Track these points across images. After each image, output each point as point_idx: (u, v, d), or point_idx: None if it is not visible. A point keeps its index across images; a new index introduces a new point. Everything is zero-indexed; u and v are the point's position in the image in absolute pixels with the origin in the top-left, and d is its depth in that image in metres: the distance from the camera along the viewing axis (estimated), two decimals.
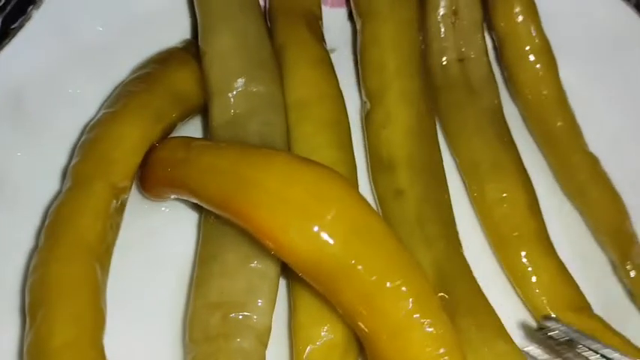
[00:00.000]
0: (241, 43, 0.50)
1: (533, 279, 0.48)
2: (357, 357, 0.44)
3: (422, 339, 0.37)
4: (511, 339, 0.44)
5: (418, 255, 0.46)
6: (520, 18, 0.54)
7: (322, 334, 0.43)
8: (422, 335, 0.37)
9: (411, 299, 0.37)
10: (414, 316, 0.37)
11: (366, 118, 0.52)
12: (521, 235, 0.49)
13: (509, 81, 0.56)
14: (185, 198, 0.46)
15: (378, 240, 0.39)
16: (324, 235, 0.38)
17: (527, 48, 0.54)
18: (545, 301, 0.48)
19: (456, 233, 0.49)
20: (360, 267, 0.38)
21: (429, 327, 0.37)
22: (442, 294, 0.45)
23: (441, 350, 0.37)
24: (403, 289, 0.38)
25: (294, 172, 0.40)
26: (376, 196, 0.50)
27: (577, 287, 0.48)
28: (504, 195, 0.50)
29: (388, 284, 0.38)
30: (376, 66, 0.52)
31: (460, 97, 0.54)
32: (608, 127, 0.55)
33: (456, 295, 0.45)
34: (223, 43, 0.50)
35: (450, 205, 0.50)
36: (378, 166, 0.50)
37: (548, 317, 0.47)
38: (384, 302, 0.38)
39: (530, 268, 0.48)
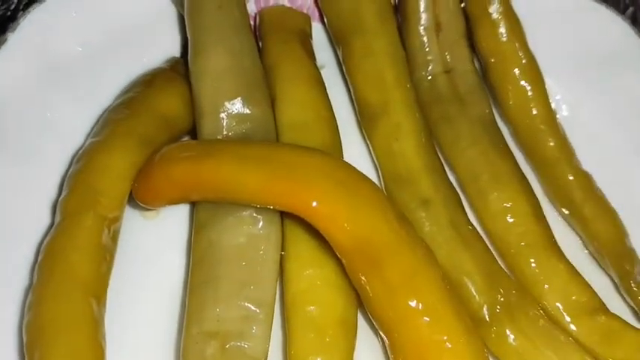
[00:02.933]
0: (234, 63, 0.51)
1: (545, 286, 0.50)
2: None
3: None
4: (565, 330, 0.48)
5: (461, 259, 0.49)
6: (505, 38, 0.55)
7: None
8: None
9: None
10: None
11: (371, 132, 0.54)
12: (529, 243, 0.51)
13: (496, 100, 0.57)
14: (200, 198, 0.48)
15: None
16: (376, 214, 0.43)
17: (515, 70, 0.55)
18: (560, 307, 0.49)
19: (480, 235, 0.51)
20: (406, 242, 0.43)
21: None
22: (497, 295, 0.48)
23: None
24: None
25: (332, 158, 0.46)
26: None
27: (590, 288, 0.50)
28: (508, 205, 0.52)
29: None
30: (374, 79, 0.54)
31: (450, 110, 0.55)
32: (600, 143, 0.56)
33: (508, 295, 0.48)
34: (215, 63, 0.51)
35: (464, 207, 0.52)
36: (396, 179, 0.52)
37: None
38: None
39: (541, 276, 0.50)
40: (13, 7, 0.60)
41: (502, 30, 0.55)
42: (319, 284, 0.47)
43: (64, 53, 0.54)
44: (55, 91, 0.53)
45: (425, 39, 0.56)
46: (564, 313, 0.49)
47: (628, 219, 0.53)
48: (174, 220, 0.52)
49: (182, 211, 0.52)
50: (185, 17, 0.53)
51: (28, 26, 0.53)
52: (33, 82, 0.52)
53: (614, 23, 0.58)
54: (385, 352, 0.45)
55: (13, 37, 0.52)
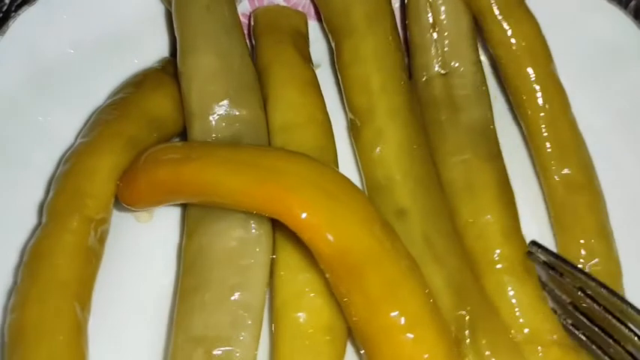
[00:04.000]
0: (224, 64, 0.51)
1: (503, 304, 0.49)
2: None
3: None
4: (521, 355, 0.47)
5: (431, 275, 0.47)
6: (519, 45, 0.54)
7: None
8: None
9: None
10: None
11: (356, 138, 0.54)
12: (493, 260, 0.50)
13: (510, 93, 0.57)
14: (183, 200, 0.48)
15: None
16: (359, 224, 0.43)
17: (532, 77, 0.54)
18: (513, 331, 0.48)
19: (462, 247, 0.50)
20: (389, 253, 0.43)
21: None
22: (462, 312, 0.47)
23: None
24: None
25: (319, 165, 0.45)
26: None
27: (550, 317, 0.49)
28: (477, 217, 0.51)
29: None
30: (360, 84, 0.53)
31: (440, 115, 0.55)
32: (601, 142, 0.56)
33: (474, 314, 0.47)
34: (204, 64, 0.51)
35: (453, 218, 0.51)
36: (375, 187, 0.52)
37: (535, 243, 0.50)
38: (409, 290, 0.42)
39: (500, 293, 0.49)
40: (5, 8, 0.60)
41: (513, 25, 0.54)
42: (308, 290, 0.47)
43: (54, 55, 0.54)
44: (45, 92, 0.53)
45: (424, 39, 0.56)
46: (518, 339, 0.48)
47: (627, 218, 0.53)
48: (168, 224, 0.52)
49: (175, 215, 0.52)
50: (173, 18, 0.53)
51: (19, 28, 0.53)
52: (23, 84, 0.53)
53: (618, 19, 0.57)
54: None
55: (4, 40, 0.52)
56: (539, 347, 0.47)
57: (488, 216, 0.51)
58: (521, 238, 0.51)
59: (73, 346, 0.42)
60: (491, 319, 0.47)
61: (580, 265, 0.51)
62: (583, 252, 0.51)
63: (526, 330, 0.48)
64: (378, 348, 0.43)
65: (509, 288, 0.49)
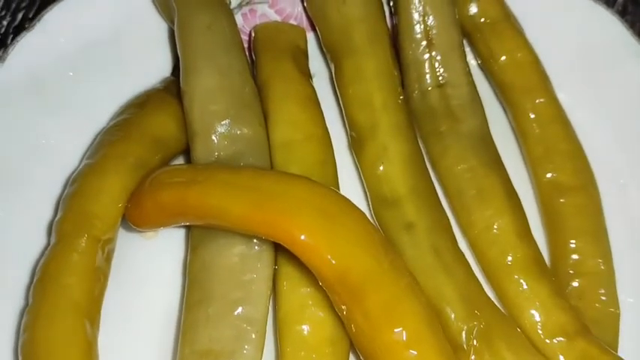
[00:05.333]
0: (225, 83, 0.53)
1: (526, 307, 0.51)
2: None
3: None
4: (544, 356, 0.49)
5: (441, 285, 0.50)
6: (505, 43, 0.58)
7: None
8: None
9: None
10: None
11: (359, 154, 0.56)
12: (511, 262, 0.52)
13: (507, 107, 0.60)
14: (188, 222, 0.50)
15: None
16: (359, 245, 0.45)
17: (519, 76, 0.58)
18: (539, 329, 0.50)
19: (465, 258, 0.52)
20: (389, 273, 0.44)
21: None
22: (475, 321, 0.49)
23: None
24: None
25: (318, 186, 0.47)
26: (382, 232, 0.53)
27: (571, 311, 0.50)
28: (490, 223, 0.53)
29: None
30: (362, 101, 0.55)
31: (440, 125, 0.56)
32: (589, 140, 0.58)
33: (487, 321, 0.49)
34: (206, 83, 0.53)
35: (453, 230, 0.53)
36: (382, 202, 0.54)
37: None
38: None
39: (522, 297, 0.51)
40: (2, 30, 0.62)
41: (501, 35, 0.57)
42: (310, 303, 0.49)
43: (55, 79, 0.56)
44: (48, 115, 0.55)
45: (417, 53, 0.58)
46: (543, 336, 0.50)
47: (619, 216, 0.55)
48: (173, 241, 0.54)
49: (180, 232, 0.54)
50: (176, 38, 0.55)
51: (18, 55, 0.55)
52: (26, 108, 0.55)
53: (605, 18, 0.59)
54: None
55: (4, 67, 0.54)
56: (564, 340, 0.49)
57: (502, 220, 0.52)
58: (533, 238, 0.53)
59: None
60: (505, 324, 0.49)
61: (570, 265, 0.53)
62: (571, 253, 0.54)
63: (550, 325, 0.50)
64: None
65: (529, 287, 0.51)
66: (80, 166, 0.51)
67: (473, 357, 0.48)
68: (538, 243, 0.53)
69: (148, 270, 0.53)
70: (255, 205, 0.46)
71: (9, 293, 0.50)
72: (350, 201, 0.47)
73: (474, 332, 0.49)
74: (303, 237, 0.45)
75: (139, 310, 0.52)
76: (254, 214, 0.46)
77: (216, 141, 0.52)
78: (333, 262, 0.45)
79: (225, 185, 0.47)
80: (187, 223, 0.51)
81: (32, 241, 0.52)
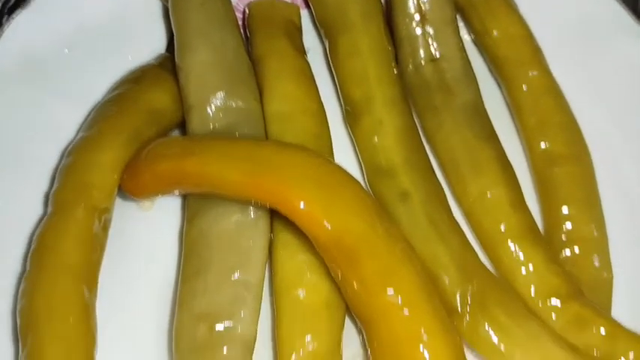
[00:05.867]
0: (219, 58, 0.54)
1: (520, 272, 0.51)
2: None
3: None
4: (538, 317, 0.49)
5: (436, 252, 0.51)
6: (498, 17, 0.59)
7: (305, 343, 0.48)
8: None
9: None
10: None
11: (354, 127, 0.57)
12: (505, 230, 0.53)
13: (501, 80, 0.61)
14: (184, 191, 0.51)
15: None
16: (354, 211, 0.46)
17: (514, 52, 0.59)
18: (533, 293, 0.51)
19: (460, 227, 0.53)
20: (384, 238, 0.45)
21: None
22: (469, 285, 0.49)
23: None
24: None
25: (314, 155, 0.48)
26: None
27: (565, 275, 0.51)
28: (485, 193, 0.54)
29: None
30: (357, 77, 0.56)
31: (435, 98, 0.57)
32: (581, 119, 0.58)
33: (482, 286, 0.50)
34: (201, 59, 0.54)
35: (447, 200, 0.54)
36: (377, 173, 0.55)
37: None
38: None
39: (516, 262, 0.52)
40: None
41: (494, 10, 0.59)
42: (306, 269, 0.49)
43: (51, 56, 0.57)
44: (44, 91, 0.56)
45: (410, 28, 0.58)
46: (536, 299, 0.50)
47: (612, 190, 0.56)
48: (169, 212, 0.55)
49: (176, 202, 0.55)
50: (170, 15, 0.56)
51: (14, 32, 0.56)
52: (22, 83, 0.56)
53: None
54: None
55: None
56: (557, 303, 0.50)
57: (496, 190, 0.53)
58: (526, 207, 0.54)
59: (82, 326, 0.45)
60: (499, 288, 0.50)
61: (563, 232, 0.54)
62: (564, 220, 0.55)
63: (543, 289, 0.50)
64: (375, 327, 0.46)
65: (523, 253, 0.52)
66: (76, 139, 0.52)
67: (467, 320, 0.49)
68: (532, 213, 0.54)
69: (144, 241, 0.54)
70: (252, 172, 0.47)
71: (6, 262, 0.51)
72: (345, 170, 0.48)
73: (469, 296, 0.49)
74: (299, 203, 0.46)
75: (137, 280, 0.52)
76: (251, 181, 0.47)
77: (211, 113, 0.53)
78: (329, 227, 0.45)
79: (222, 153, 0.48)
80: (184, 192, 0.52)
81: (29, 212, 0.52)
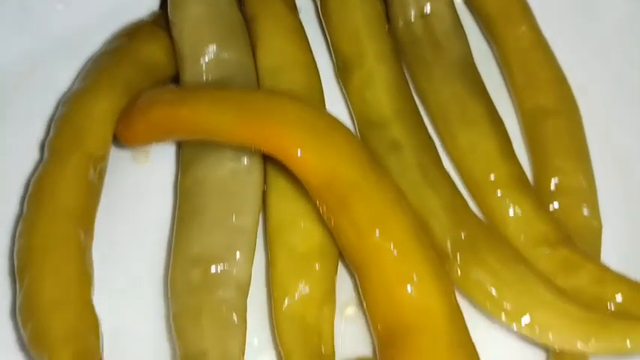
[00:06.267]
0: (212, 12, 0.55)
1: (510, 219, 0.52)
2: (334, 309, 0.50)
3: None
4: (527, 262, 0.50)
5: (427, 199, 0.51)
6: None
7: (299, 288, 0.49)
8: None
9: None
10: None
11: (346, 81, 0.58)
12: (495, 179, 0.53)
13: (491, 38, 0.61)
14: (178, 138, 0.52)
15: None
16: (345, 155, 0.46)
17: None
18: (523, 239, 0.52)
19: (450, 176, 0.54)
20: (375, 183, 0.46)
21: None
22: (460, 231, 0.50)
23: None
24: None
25: (306, 103, 0.49)
26: None
27: (554, 222, 0.52)
28: (475, 144, 0.55)
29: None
30: (348, 31, 0.57)
31: (426, 54, 0.58)
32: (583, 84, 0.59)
33: (472, 233, 0.50)
34: (193, 13, 0.55)
35: (438, 151, 0.55)
36: (368, 124, 0.56)
37: None
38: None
39: (506, 209, 0.52)
40: None
41: None
42: (299, 215, 0.50)
43: (45, 11, 0.58)
44: (39, 44, 0.58)
45: None
46: (525, 246, 0.51)
47: (598, 150, 0.57)
48: (164, 165, 0.56)
49: (171, 156, 0.56)
50: None
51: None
52: (18, 38, 0.57)
53: None
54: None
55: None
56: (546, 249, 0.51)
57: (486, 141, 0.54)
58: (516, 158, 0.55)
59: (78, 266, 0.46)
60: (489, 234, 0.51)
61: (552, 183, 0.55)
62: (553, 171, 0.55)
63: (532, 236, 0.51)
64: (367, 271, 0.46)
65: (512, 201, 0.52)
66: (72, 89, 0.53)
67: (459, 265, 0.50)
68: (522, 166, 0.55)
69: (140, 192, 0.55)
70: (246, 117, 0.48)
71: (3, 206, 0.52)
72: (337, 118, 0.49)
73: (460, 241, 0.50)
74: (292, 147, 0.47)
75: (132, 227, 0.54)
76: (244, 126, 0.48)
77: (204, 66, 0.54)
78: (321, 171, 0.46)
79: (215, 99, 0.49)
80: (178, 140, 0.53)
81: (25, 158, 0.54)
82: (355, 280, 0.48)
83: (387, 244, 0.46)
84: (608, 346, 0.47)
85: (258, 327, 0.51)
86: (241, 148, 0.51)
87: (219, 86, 0.52)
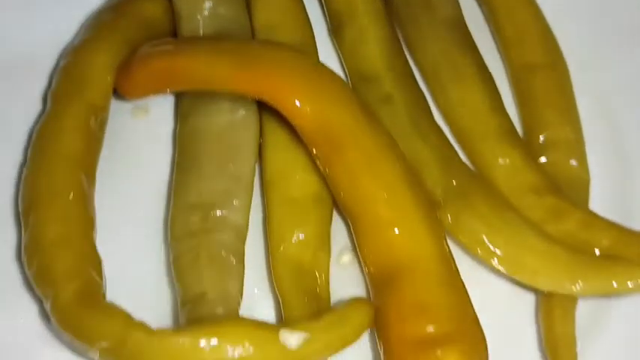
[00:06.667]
0: None
1: (497, 169, 0.54)
2: (329, 255, 0.51)
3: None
4: (516, 209, 0.51)
5: (418, 150, 0.53)
6: None
7: (295, 234, 0.50)
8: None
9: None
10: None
11: (339, 38, 0.59)
12: (485, 131, 0.55)
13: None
14: (176, 88, 0.54)
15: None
16: (338, 102, 0.48)
17: None
18: (512, 187, 0.53)
19: (441, 129, 0.55)
20: (367, 130, 0.48)
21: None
22: (451, 180, 0.52)
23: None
24: None
25: (299, 52, 0.51)
26: None
27: (542, 172, 0.54)
28: (465, 98, 0.56)
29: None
30: None
31: (417, 12, 0.60)
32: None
33: (463, 181, 0.52)
34: None
35: (429, 105, 0.57)
36: (361, 78, 0.57)
37: None
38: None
39: (495, 160, 0.54)
40: None
41: None
42: (295, 165, 0.52)
43: None
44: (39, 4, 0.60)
45: None
46: (516, 194, 0.52)
47: (585, 104, 0.58)
48: (163, 117, 0.58)
49: (169, 111, 0.58)
50: None
51: None
52: None
53: None
54: None
55: None
56: (535, 198, 0.52)
57: (476, 95, 0.56)
58: (505, 111, 0.56)
59: (82, 207, 0.48)
60: (479, 182, 0.52)
61: (541, 136, 0.57)
62: (542, 124, 0.57)
63: (521, 185, 0.53)
64: (360, 215, 0.48)
65: (501, 152, 0.54)
66: (73, 43, 0.55)
67: (450, 212, 0.51)
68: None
69: (139, 145, 0.57)
70: (241, 65, 0.49)
71: (8, 153, 0.54)
72: (330, 68, 0.51)
73: (450, 189, 0.52)
74: (287, 93, 0.48)
75: (132, 176, 0.55)
76: (241, 75, 0.49)
77: (201, 21, 0.56)
78: (315, 117, 0.48)
79: (213, 49, 0.51)
80: (176, 90, 0.55)
81: (28, 108, 0.56)
82: (350, 228, 0.50)
83: (379, 187, 0.48)
84: (595, 287, 0.49)
85: (259, 278, 0.52)
86: (238, 99, 0.53)
87: (217, 37, 0.54)
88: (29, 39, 0.58)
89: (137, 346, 0.42)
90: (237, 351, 0.42)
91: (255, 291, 0.52)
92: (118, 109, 0.56)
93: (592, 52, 0.61)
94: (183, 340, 0.42)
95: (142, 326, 0.43)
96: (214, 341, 0.42)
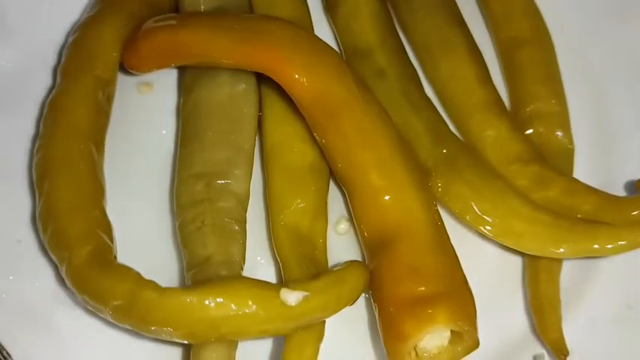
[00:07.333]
0: None
1: (484, 139, 0.57)
2: (327, 222, 0.54)
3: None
4: (503, 177, 0.54)
5: (411, 121, 0.56)
6: None
7: (294, 202, 0.53)
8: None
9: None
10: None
11: (333, 14, 0.62)
12: (472, 103, 0.58)
13: None
14: (180, 62, 0.56)
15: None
16: (333, 73, 0.51)
17: None
18: (497, 157, 0.56)
19: (432, 101, 0.58)
20: (361, 101, 0.50)
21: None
22: (442, 149, 0.54)
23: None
24: None
25: (296, 26, 0.53)
26: None
27: (528, 142, 0.57)
28: (454, 71, 0.59)
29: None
30: None
31: None
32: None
33: (452, 151, 0.55)
34: None
35: (420, 79, 0.60)
36: (354, 53, 0.60)
37: None
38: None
39: (483, 130, 0.57)
40: None
41: None
42: (293, 137, 0.55)
43: None
44: None
45: None
46: (502, 163, 0.55)
47: (570, 77, 0.61)
48: (167, 94, 0.60)
49: (173, 86, 0.61)
50: None
51: None
52: None
53: None
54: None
55: None
56: (520, 166, 0.55)
57: (464, 68, 0.59)
58: (493, 85, 0.59)
59: (92, 176, 0.51)
60: (468, 152, 0.55)
61: (528, 108, 0.59)
62: (528, 97, 0.60)
63: (507, 154, 0.56)
64: (354, 183, 0.51)
65: (488, 123, 0.57)
66: (81, 19, 0.57)
67: (440, 181, 0.54)
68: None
69: (145, 118, 0.59)
70: (241, 38, 0.52)
71: (22, 127, 0.56)
72: (326, 42, 0.54)
73: (441, 159, 0.54)
74: (285, 66, 0.51)
75: (139, 150, 0.58)
76: (241, 48, 0.52)
77: None
78: (312, 88, 0.51)
79: (212, 24, 0.53)
80: (179, 64, 0.57)
81: (40, 82, 0.58)
82: (345, 196, 0.53)
83: (372, 156, 0.50)
84: (577, 249, 0.51)
85: (261, 248, 0.55)
86: (238, 73, 0.55)
87: (218, 12, 0.57)
88: (39, 17, 0.60)
89: (148, 303, 0.45)
90: (241, 308, 0.45)
91: (259, 258, 0.55)
92: (124, 85, 0.59)
93: (577, 27, 0.64)
94: (191, 299, 0.45)
95: (152, 285, 0.46)
96: (220, 299, 0.45)
